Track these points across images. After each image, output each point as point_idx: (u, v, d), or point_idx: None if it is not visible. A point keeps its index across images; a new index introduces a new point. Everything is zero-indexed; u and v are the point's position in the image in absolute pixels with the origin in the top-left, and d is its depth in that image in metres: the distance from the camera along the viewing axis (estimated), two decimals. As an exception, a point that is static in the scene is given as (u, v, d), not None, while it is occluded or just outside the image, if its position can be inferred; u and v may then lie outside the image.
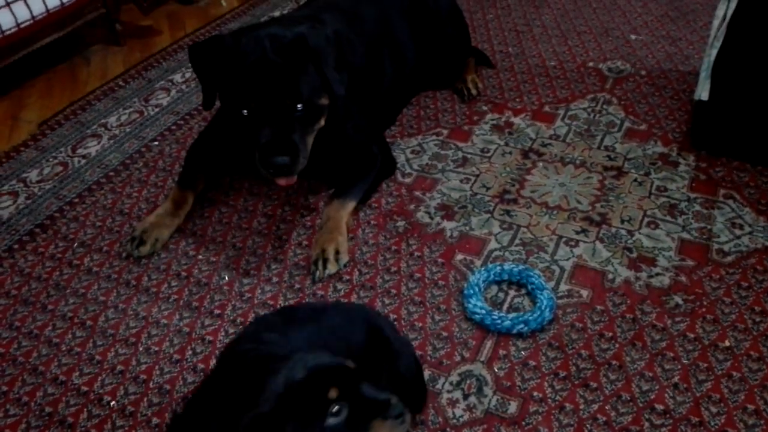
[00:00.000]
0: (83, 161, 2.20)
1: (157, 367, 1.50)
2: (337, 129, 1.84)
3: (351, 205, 1.85)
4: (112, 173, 2.13)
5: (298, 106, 1.65)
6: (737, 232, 1.76)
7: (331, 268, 1.70)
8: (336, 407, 0.91)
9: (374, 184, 1.96)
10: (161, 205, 1.90)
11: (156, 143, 2.26)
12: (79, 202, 2.02)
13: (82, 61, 2.86)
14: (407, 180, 2.02)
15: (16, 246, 1.86)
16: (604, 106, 2.30)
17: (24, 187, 2.10)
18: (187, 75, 2.65)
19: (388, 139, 2.16)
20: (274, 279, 1.71)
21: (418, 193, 1.96)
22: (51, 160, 2.22)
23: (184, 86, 2.58)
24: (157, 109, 2.45)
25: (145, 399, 1.43)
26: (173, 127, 2.34)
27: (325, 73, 1.68)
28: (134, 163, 2.17)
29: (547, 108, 2.31)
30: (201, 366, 1.49)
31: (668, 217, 1.82)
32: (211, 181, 2.00)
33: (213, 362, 1.49)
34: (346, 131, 1.91)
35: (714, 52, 1.91)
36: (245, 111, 1.64)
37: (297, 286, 1.68)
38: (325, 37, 1.71)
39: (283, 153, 1.63)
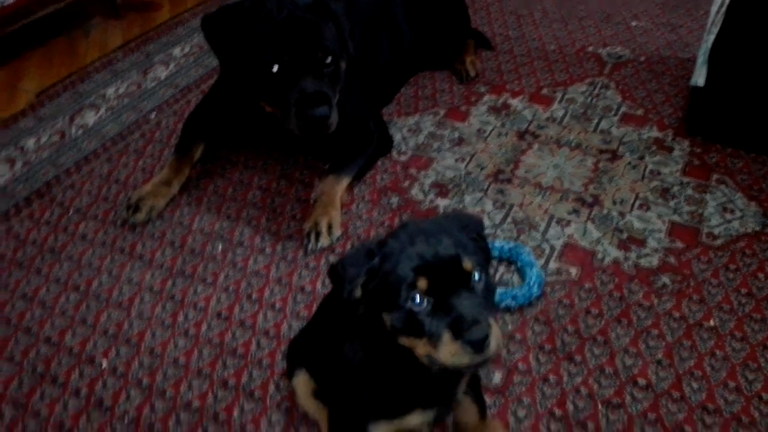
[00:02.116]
0: (81, 131, 2.21)
1: (149, 331, 1.52)
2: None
3: (346, 180, 1.86)
4: (109, 143, 2.14)
5: (328, 59, 1.69)
6: (728, 216, 1.77)
7: (324, 241, 1.71)
8: (414, 297, 0.85)
9: (370, 161, 1.97)
10: (158, 174, 1.91)
11: (153, 115, 2.27)
12: (76, 170, 2.03)
13: (81, 33, 2.85)
14: (402, 158, 2.03)
15: (12, 211, 1.88)
16: (602, 91, 2.30)
17: (21, 155, 2.11)
18: (186, 49, 2.65)
19: (385, 118, 2.17)
20: (267, 250, 1.72)
21: (412, 171, 1.97)
22: (48, 129, 2.22)
23: (182, 60, 2.58)
24: (155, 82, 2.45)
25: (136, 360, 1.45)
26: (171, 101, 2.34)
27: (343, 36, 1.73)
28: (131, 134, 2.18)
29: (545, 91, 2.32)
30: (192, 331, 1.51)
31: (660, 200, 1.83)
32: (208, 151, 2.00)
33: (204, 328, 1.52)
34: (344, 107, 1.91)
35: (711, 37, 1.91)
36: (276, 67, 1.66)
37: (290, 257, 1.70)
38: (342, 6, 1.77)
39: (321, 104, 1.66)
